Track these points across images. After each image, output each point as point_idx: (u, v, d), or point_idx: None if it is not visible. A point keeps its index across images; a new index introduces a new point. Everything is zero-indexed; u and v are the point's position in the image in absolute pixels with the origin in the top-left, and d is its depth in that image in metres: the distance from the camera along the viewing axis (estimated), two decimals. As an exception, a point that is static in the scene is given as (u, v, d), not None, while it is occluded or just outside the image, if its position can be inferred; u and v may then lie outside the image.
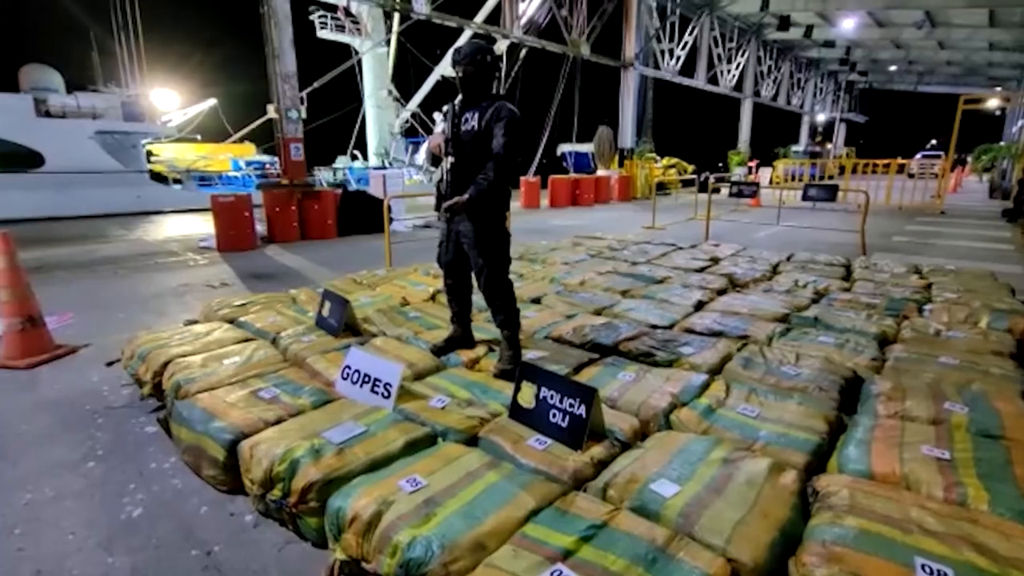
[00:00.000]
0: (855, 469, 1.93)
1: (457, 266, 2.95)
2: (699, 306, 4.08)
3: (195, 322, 4.13)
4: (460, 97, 2.72)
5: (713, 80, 22.32)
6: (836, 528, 1.57)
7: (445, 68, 23.44)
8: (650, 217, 10.88)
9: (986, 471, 1.87)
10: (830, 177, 23.45)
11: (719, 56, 22.21)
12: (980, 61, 27.87)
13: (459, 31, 20.81)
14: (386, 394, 2.44)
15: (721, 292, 4.51)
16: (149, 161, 17.32)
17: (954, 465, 1.90)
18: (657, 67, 19.17)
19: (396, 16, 21.90)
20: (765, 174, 21.27)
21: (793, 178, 21.92)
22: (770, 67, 27.28)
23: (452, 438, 2.18)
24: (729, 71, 23.21)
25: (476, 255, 2.75)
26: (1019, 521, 1.62)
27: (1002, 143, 25.96)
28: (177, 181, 16.85)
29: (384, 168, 20.46)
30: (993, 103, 25.58)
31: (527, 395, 2.23)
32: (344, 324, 3.29)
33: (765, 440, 2.12)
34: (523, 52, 19.51)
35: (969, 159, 28.16)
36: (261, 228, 8.60)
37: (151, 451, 2.52)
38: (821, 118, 35.64)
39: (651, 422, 2.35)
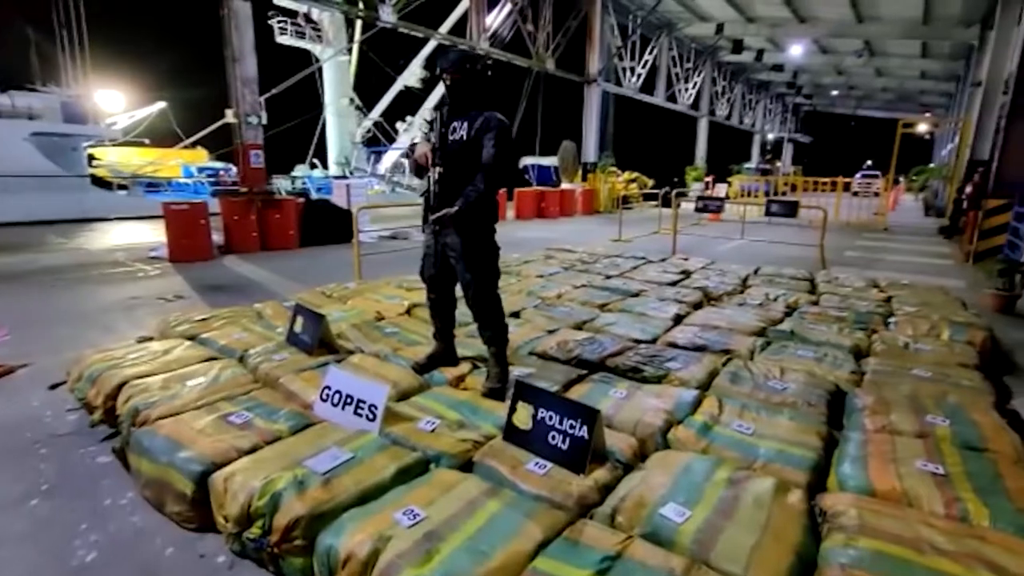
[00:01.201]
0: (856, 486, 1.93)
1: (442, 280, 2.84)
2: (677, 320, 4.10)
3: (149, 339, 3.84)
4: (447, 106, 2.63)
5: (672, 98, 23.03)
6: (851, 551, 1.55)
7: (408, 78, 23.35)
8: (615, 230, 11.01)
9: (980, 485, 1.90)
10: (783, 194, 24.52)
11: (677, 75, 22.96)
12: (912, 88, 29.95)
13: (424, 41, 20.78)
14: (371, 417, 2.29)
15: (697, 306, 4.56)
16: (91, 165, 16.35)
17: (950, 480, 1.93)
18: (619, 84, 19.62)
19: (359, 24, 21.65)
20: (721, 189, 22.04)
21: (748, 194, 22.80)
22: (724, 88, 28.42)
23: (445, 463, 2.06)
24: (687, 90, 24.02)
25: (464, 269, 2.65)
26: (1022, 536, 1.64)
27: (932, 164, 27.89)
28: (122, 187, 15.93)
29: (345, 177, 20.06)
30: (923, 127, 27.54)
31: (523, 416, 2.14)
32: (319, 341, 3.11)
33: (765, 458, 2.10)
34: (488, 64, 19.63)
35: (902, 179, 30.12)
36: (218, 237, 8.19)
37: (105, 485, 2.27)
38: (770, 137, 37.35)
39: (647, 441, 2.29)
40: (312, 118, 22.94)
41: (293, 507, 1.73)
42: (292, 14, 21.37)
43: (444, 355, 3.01)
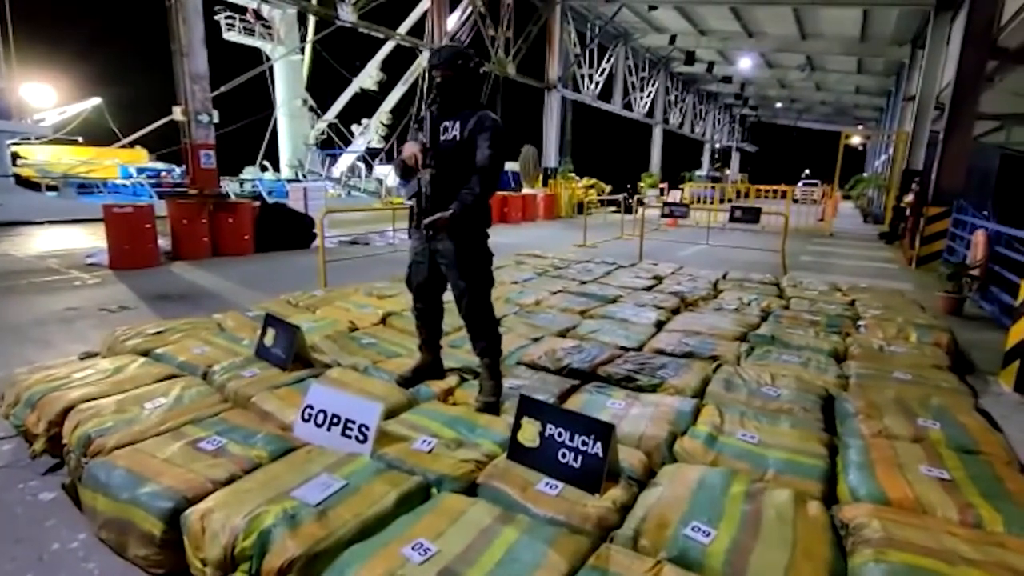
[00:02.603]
0: (869, 495, 1.91)
1: (430, 288, 2.68)
2: (659, 326, 4.07)
3: (94, 355, 3.49)
4: (437, 104, 2.49)
5: (628, 106, 23.53)
6: (884, 565, 1.51)
7: (365, 80, 22.81)
8: (579, 235, 11.06)
9: (985, 490, 1.91)
10: (730, 200, 25.44)
11: (633, 84, 23.49)
12: (848, 102, 31.82)
13: (381, 43, 20.35)
14: (362, 438, 2.11)
15: (675, 311, 4.56)
16: (15, 164, 15.07)
17: (956, 485, 1.94)
18: (577, 90, 19.86)
19: (312, 23, 21.00)
20: (675, 196, 22.64)
21: (699, 200, 23.54)
22: (677, 97, 29.32)
23: (448, 487, 1.90)
24: (642, 98, 24.60)
25: (457, 276, 2.50)
26: (1038, 541, 1.65)
27: (865, 174, 29.65)
28: (52, 188, 14.76)
29: (299, 180, 19.35)
30: (856, 139, 29.36)
31: (529, 433, 2.02)
32: (294, 355, 2.88)
33: (775, 468, 2.05)
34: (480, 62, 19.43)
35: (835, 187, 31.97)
36: (165, 243, 7.65)
37: (51, 526, 1.99)
38: (716, 146, 38.81)
39: (653, 454, 2.22)
40: (262, 119, 22.06)
41: (286, 546, 1.54)
42: (241, 10, 20.50)
43: (431, 368, 2.84)
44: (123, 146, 18.18)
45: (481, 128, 2.38)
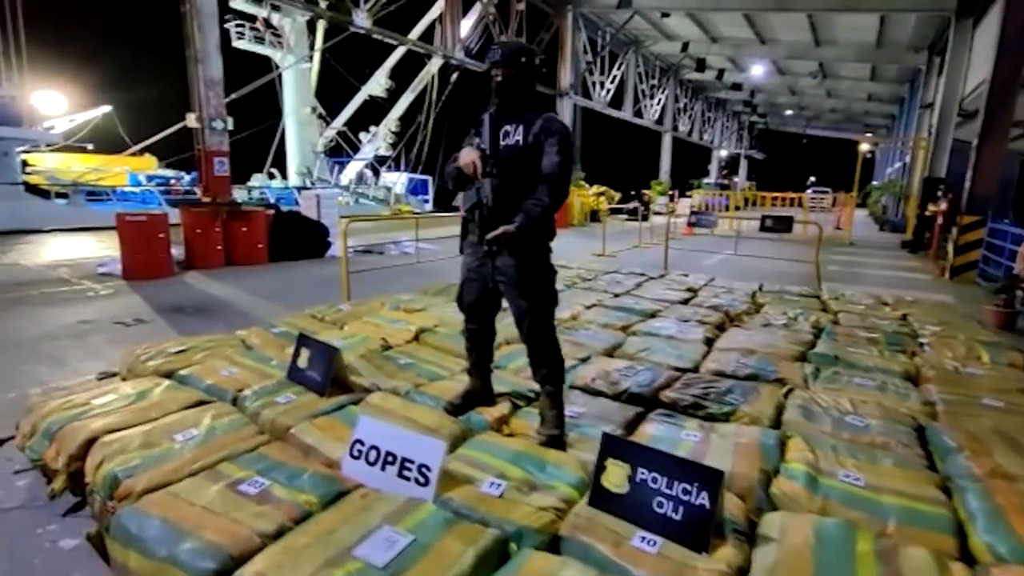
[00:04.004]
0: (1013, 553, 1.65)
1: (484, 308, 2.45)
2: (708, 343, 3.83)
3: (112, 375, 3.28)
4: (495, 107, 2.27)
5: (639, 113, 23.40)
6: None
7: (374, 88, 22.74)
8: (595, 244, 10.84)
9: None
10: (738, 208, 25.19)
11: (643, 91, 23.36)
12: (859, 110, 31.64)
13: (390, 50, 20.29)
14: (422, 480, 1.87)
15: (719, 327, 4.31)
16: (25, 172, 14.96)
17: (1110, 539, 1.68)
18: (589, 97, 19.73)
19: (320, 31, 20.98)
20: (684, 204, 22.42)
21: (708, 208, 23.30)
22: (686, 104, 29.18)
23: (529, 542, 1.66)
24: (651, 106, 24.46)
25: (517, 295, 2.27)
26: None
27: (875, 182, 29.38)
28: (61, 195, 14.62)
29: (307, 188, 19.21)
30: (865, 146, 29.17)
31: (616, 477, 1.77)
32: (332, 378, 2.65)
33: (896, 519, 1.80)
34: (455, 75, 19.32)
35: (843, 194, 31.72)
36: (178, 252, 7.46)
37: (74, 581, 1.76)
38: (723, 153, 38.62)
39: (747, 497, 1.96)
40: (270, 126, 21.98)
41: (358, 625, 1.30)
42: (251, 18, 20.48)
43: (481, 393, 2.61)
44: (133, 153, 18.04)
45: (548, 133, 2.15)
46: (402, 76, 21.62)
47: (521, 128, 2.19)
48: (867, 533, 1.70)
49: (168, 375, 2.92)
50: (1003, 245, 7.21)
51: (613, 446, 1.82)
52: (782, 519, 1.79)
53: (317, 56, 22.10)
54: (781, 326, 4.30)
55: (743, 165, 43.10)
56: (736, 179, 35.82)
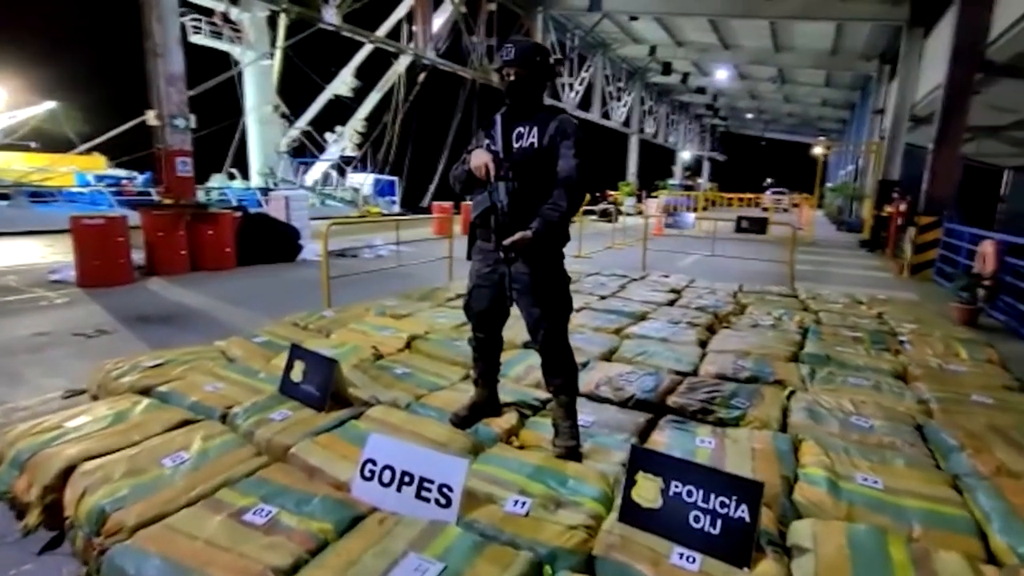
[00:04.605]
0: (1036, 551, 1.68)
1: (493, 317, 2.36)
2: (702, 345, 3.84)
3: (79, 392, 3.05)
4: (507, 107, 2.18)
5: (606, 115, 23.66)
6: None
7: (339, 87, 22.22)
8: (569, 245, 10.85)
9: None
10: (704, 208, 25.80)
11: (610, 94, 23.64)
12: (813, 114, 32.91)
13: (356, 49, 19.87)
14: (444, 501, 1.77)
15: (710, 328, 4.34)
16: (-40, 171, 13.97)
17: (1125, 535, 1.73)
18: (558, 99, 19.81)
19: (282, 27, 20.36)
20: (652, 204, 22.79)
21: (676, 208, 23.78)
22: (651, 107, 29.70)
23: (564, 564, 1.58)
24: (618, 108, 24.78)
25: (531, 303, 2.19)
26: None
27: (828, 184, 30.54)
28: (3, 196, 13.70)
29: (270, 189, 18.58)
30: (818, 149, 30.42)
31: (648, 491, 1.72)
32: (330, 392, 2.50)
33: (921, 522, 1.81)
34: (422, 75, 19.09)
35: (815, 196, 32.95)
36: (138, 257, 7.04)
37: (59, 631, 1.58)
38: (687, 155, 39.51)
39: (772, 505, 1.94)
40: (229, 125, 21.18)
41: (400, 669, 1.19)
42: (208, 12, 19.68)
43: (487, 404, 2.52)
44: (81, 152, 17.07)
45: (564, 135, 2.08)
46: (369, 75, 21.22)
47: (536, 130, 2.11)
48: (897, 539, 1.70)
49: (145, 392, 2.71)
50: (959, 244, 7.56)
51: (643, 458, 1.77)
52: (812, 527, 1.77)
53: (279, 53, 21.44)
54: (769, 326, 4.36)
55: (706, 167, 44.23)
56: (700, 180, 36.70)
